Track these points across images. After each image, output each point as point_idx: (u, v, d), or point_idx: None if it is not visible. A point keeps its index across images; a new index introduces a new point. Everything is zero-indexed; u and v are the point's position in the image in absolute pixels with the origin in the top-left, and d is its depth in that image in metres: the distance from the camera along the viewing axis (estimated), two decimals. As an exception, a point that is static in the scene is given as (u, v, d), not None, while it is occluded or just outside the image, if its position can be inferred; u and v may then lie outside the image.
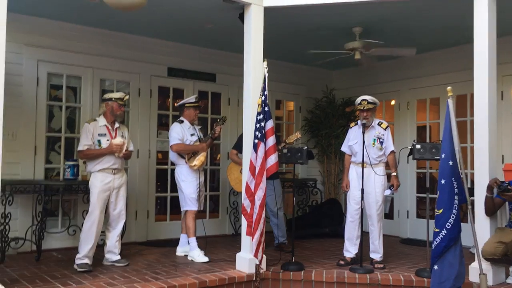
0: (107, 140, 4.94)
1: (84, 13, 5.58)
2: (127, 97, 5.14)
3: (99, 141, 4.93)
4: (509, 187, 4.16)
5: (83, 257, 4.73)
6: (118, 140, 4.93)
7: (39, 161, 5.81)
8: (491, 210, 4.35)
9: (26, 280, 4.27)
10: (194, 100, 5.60)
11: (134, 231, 6.41)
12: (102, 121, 5.02)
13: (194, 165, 5.34)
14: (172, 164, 5.91)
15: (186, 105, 5.56)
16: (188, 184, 5.36)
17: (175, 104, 6.96)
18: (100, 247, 5.12)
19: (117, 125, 5.08)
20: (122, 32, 6.32)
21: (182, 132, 5.41)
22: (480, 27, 4.45)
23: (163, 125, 7.05)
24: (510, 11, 4.98)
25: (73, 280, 4.32)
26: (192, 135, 5.48)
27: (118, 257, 5.02)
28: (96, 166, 4.88)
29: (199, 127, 5.73)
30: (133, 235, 6.37)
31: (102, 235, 5.11)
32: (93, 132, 4.93)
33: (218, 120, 5.67)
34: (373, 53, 5.98)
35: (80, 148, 4.91)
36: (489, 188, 4.28)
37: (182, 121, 5.52)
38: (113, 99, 5.02)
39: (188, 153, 5.39)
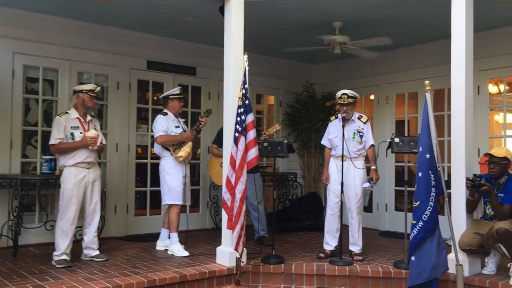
0: (80, 133, 4.83)
1: (61, 4, 5.46)
2: (98, 88, 5.04)
3: (72, 134, 4.81)
4: (481, 181, 4.24)
5: (61, 254, 4.66)
6: (92, 133, 4.84)
7: (15, 155, 5.69)
8: (472, 209, 4.47)
9: (3, 276, 4.19)
10: (178, 92, 5.54)
11: (114, 226, 6.35)
12: (74, 113, 4.90)
13: (180, 156, 5.28)
14: (155, 158, 5.85)
15: (170, 97, 5.50)
16: (173, 177, 5.30)
17: (155, 98, 6.93)
18: (77, 242, 5.06)
19: (89, 118, 4.99)
20: (100, 25, 6.21)
21: (166, 124, 5.35)
22: (457, 22, 4.51)
23: (143, 119, 6.98)
24: (487, 6, 5.06)
25: (51, 275, 4.26)
26: (176, 127, 5.42)
27: (97, 252, 4.97)
28: (69, 160, 4.77)
29: (183, 120, 5.68)
30: (112, 230, 6.32)
31: (79, 230, 5.05)
32: (65, 125, 4.81)
33: (204, 112, 5.63)
34: (351, 46, 6.01)
35: (52, 142, 4.78)
36: (471, 192, 4.36)
37: (166, 113, 5.46)
38: (84, 91, 4.91)
39: (173, 144, 5.34)
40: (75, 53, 6.11)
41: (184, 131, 5.47)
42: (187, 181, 5.43)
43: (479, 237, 4.30)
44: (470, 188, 4.28)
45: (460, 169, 4.44)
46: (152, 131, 6.66)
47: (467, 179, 4.33)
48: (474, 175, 4.32)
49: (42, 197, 5.89)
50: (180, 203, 5.32)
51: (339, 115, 5.23)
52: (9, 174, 5.52)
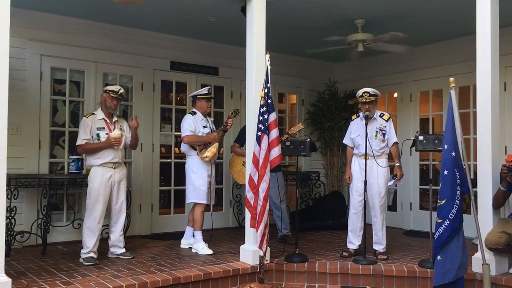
0: (106, 133, 4.92)
1: (87, 7, 5.58)
2: (122, 90, 5.06)
3: (97, 134, 4.91)
4: None
5: (88, 251, 4.76)
6: (115, 133, 4.91)
7: (44, 155, 5.84)
8: (500, 203, 4.37)
9: (32, 273, 4.31)
10: (206, 92, 5.58)
11: (139, 224, 6.46)
12: (100, 114, 4.99)
13: (206, 157, 5.32)
14: (179, 157, 5.89)
15: (198, 96, 5.54)
16: (199, 176, 5.34)
17: (178, 98, 7.00)
18: (104, 240, 5.16)
19: (115, 118, 5.07)
20: (125, 26, 6.33)
21: (194, 124, 5.39)
22: (483, 18, 4.44)
23: (166, 119, 7.07)
24: (512, 2, 4.97)
25: (79, 272, 4.36)
26: (204, 127, 5.45)
27: (123, 250, 5.05)
28: (96, 160, 4.87)
29: (212, 119, 5.72)
30: (137, 228, 6.42)
31: (106, 228, 5.15)
32: (92, 125, 4.91)
33: (231, 112, 5.67)
34: (373, 47, 5.97)
35: (78, 142, 4.89)
36: (504, 181, 4.28)
37: (194, 113, 5.50)
38: (106, 91, 5.01)
39: (199, 144, 5.40)
40: (100, 55, 6.23)
41: (211, 131, 5.51)
42: (212, 180, 5.47)
43: (506, 236, 4.22)
44: (506, 173, 4.20)
45: (486, 167, 4.38)
46: (175, 131, 6.77)
47: (503, 165, 4.25)
48: None
49: (69, 196, 6.03)
50: (205, 202, 5.36)
51: (361, 114, 5.20)
52: (37, 174, 5.66)
